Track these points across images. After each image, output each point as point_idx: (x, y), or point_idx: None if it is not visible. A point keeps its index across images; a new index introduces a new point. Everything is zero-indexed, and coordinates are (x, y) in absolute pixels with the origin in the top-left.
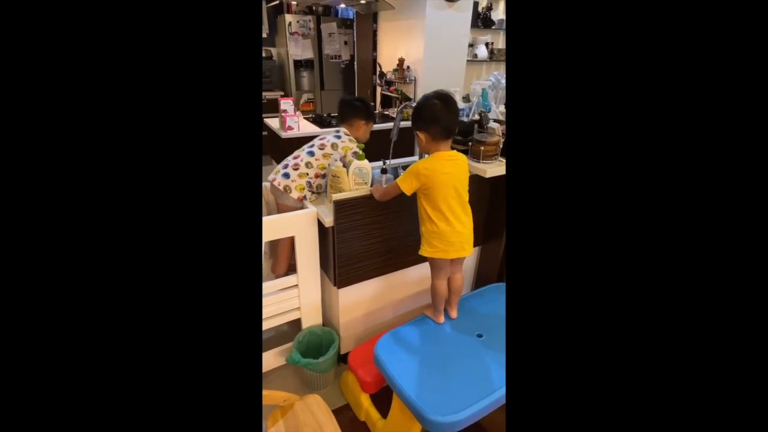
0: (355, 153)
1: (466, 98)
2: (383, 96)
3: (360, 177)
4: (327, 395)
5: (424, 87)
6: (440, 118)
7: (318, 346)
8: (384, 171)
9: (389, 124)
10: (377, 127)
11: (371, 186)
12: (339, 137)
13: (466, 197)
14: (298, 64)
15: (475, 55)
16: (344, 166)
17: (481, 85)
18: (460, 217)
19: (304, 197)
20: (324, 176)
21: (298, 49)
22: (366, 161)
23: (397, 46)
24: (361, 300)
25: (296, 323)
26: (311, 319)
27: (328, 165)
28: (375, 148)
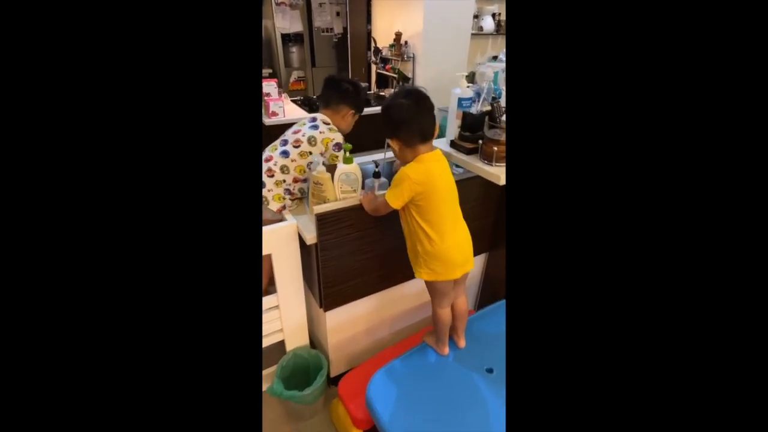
0: (337, 146)
1: (470, 77)
2: (378, 75)
3: (347, 184)
4: (315, 426)
5: (423, 65)
6: (410, 119)
7: (305, 370)
8: (377, 174)
9: None
10: (370, 111)
11: (361, 193)
12: (316, 127)
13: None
14: (287, 39)
15: (481, 28)
16: (327, 168)
17: (491, 68)
18: (458, 226)
19: (284, 207)
20: (305, 180)
21: (286, 22)
22: (355, 165)
23: (393, 18)
24: (353, 319)
25: (280, 345)
26: (296, 339)
27: (308, 166)
28: (370, 136)
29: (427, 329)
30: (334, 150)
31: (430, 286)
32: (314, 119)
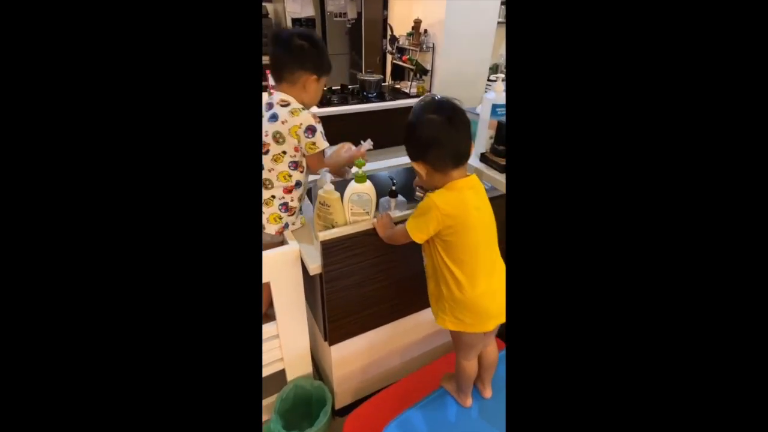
0: (309, 130)
1: (494, 69)
2: (394, 66)
3: (359, 205)
4: None
5: (444, 56)
6: (442, 140)
7: (306, 401)
8: (393, 193)
9: (400, 102)
10: (383, 106)
11: (376, 216)
12: (275, 117)
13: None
14: (297, 24)
15: None
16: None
17: None
18: (496, 270)
19: (285, 226)
20: (298, 184)
21: (297, 5)
22: (368, 184)
23: (412, 3)
24: (361, 351)
25: (280, 373)
26: (298, 368)
27: (288, 169)
28: (383, 134)
29: (444, 356)
30: (307, 137)
31: (455, 335)
32: (270, 106)
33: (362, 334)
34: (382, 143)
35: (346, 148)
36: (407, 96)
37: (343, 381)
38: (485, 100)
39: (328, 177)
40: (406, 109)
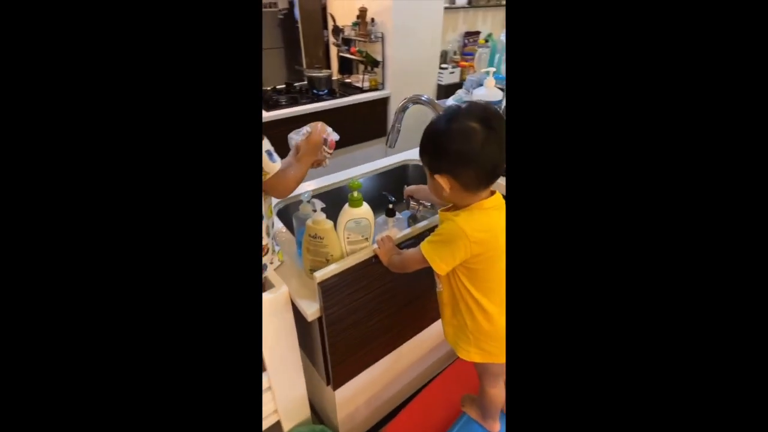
0: (268, 154)
1: (444, 56)
2: (342, 59)
3: (357, 232)
4: None
5: (394, 46)
6: (483, 156)
7: None
8: (391, 212)
9: (356, 98)
10: (337, 104)
11: (376, 241)
12: None
13: None
14: None
15: (453, 1)
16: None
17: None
18: None
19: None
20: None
21: None
22: (365, 207)
23: None
24: (364, 386)
25: (276, 426)
26: (295, 416)
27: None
28: (341, 134)
29: (449, 367)
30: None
31: (480, 366)
32: None
33: (367, 370)
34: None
35: (305, 139)
36: (360, 90)
37: (347, 421)
38: (475, 95)
39: (318, 204)
40: (363, 105)
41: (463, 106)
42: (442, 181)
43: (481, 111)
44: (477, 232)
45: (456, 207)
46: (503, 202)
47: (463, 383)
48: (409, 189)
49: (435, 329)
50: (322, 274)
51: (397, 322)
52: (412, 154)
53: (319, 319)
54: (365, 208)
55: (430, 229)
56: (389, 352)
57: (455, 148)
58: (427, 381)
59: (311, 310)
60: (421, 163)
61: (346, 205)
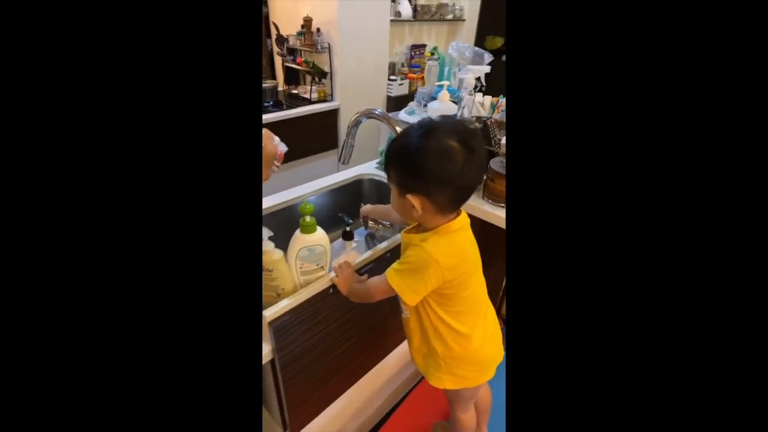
0: None
1: (391, 69)
2: (287, 69)
3: (311, 261)
4: None
5: (342, 56)
6: (460, 176)
7: None
8: (348, 235)
9: (304, 110)
10: (285, 115)
11: (334, 268)
12: None
13: None
14: None
15: (398, 13)
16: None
17: (474, 72)
18: (488, 306)
19: None
20: None
21: None
22: (320, 233)
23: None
24: (327, 422)
25: None
26: None
27: None
28: (298, 143)
29: (417, 387)
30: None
31: (452, 392)
32: None
33: (328, 407)
34: (290, 156)
35: None
36: (308, 102)
37: None
38: (430, 109)
39: (266, 233)
40: (312, 117)
41: (437, 120)
42: (414, 201)
43: (461, 129)
44: (448, 258)
45: (421, 227)
46: (468, 220)
47: (432, 405)
48: (365, 209)
49: (399, 351)
50: (272, 313)
51: (360, 351)
52: (366, 169)
53: (272, 361)
54: (319, 234)
55: (391, 251)
56: (353, 384)
57: (432, 167)
58: (396, 404)
59: (262, 352)
60: (377, 179)
61: (297, 231)
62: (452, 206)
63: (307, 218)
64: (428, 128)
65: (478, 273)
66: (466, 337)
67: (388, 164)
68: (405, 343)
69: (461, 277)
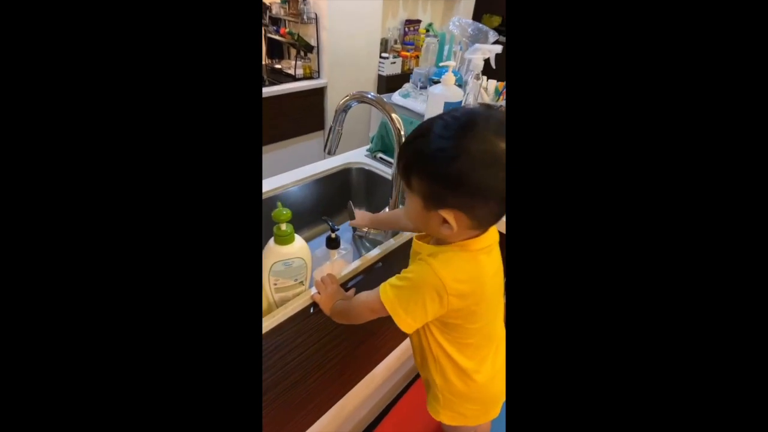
0: None
1: (384, 45)
2: (270, 41)
3: (288, 276)
4: None
5: (330, 29)
6: (501, 184)
7: None
8: (334, 242)
9: (288, 87)
10: (268, 93)
11: (316, 284)
12: None
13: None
14: None
15: None
16: None
17: (483, 52)
18: (502, 341)
19: None
20: None
21: None
22: (299, 244)
23: None
24: None
25: None
26: None
27: None
28: (270, 127)
29: (404, 397)
30: None
31: (450, 428)
32: None
33: (311, 427)
34: (269, 138)
35: None
36: (293, 78)
37: None
38: (432, 95)
39: None
40: (296, 96)
41: (477, 111)
42: (449, 216)
43: (500, 122)
44: (459, 283)
45: (437, 240)
46: (497, 237)
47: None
48: (361, 220)
49: (390, 359)
50: None
51: (346, 368)
52: (355, 156)
53: None
54: (298, 245)
55: (384, 259)
56: (335, 403)
57: (478, 179)
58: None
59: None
60: (367, 167)
61: (271, 241)
62: (494, 220)
63: (283, 227)
64: (466, 124)
65: (496, 303)
66: (471, 373)
67: (408, 169)
68: (395, 352)
69: (472, 308)
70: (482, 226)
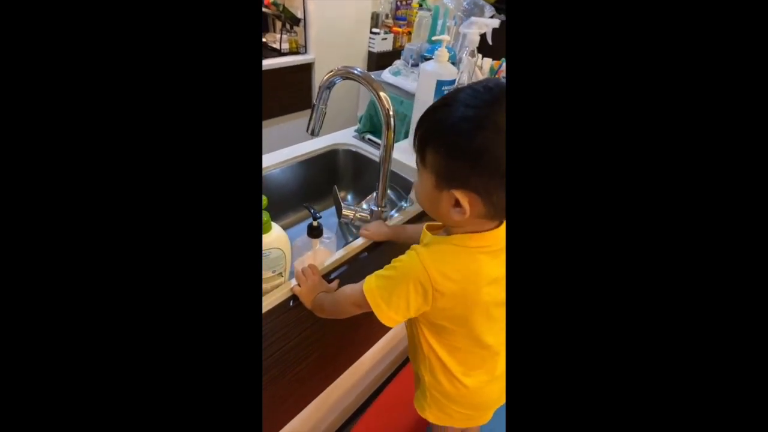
0: None
1: (375, 19)
2: None
3: (267, 267)
4: None
5: (318, 1)
6: None
7: None
8: (316, 231)
9: (273, 62)
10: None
11: (293, 278)
12: None
13: None
14: None
15: None
16: None
17: (479, 26)
18: (501, 353)
19: None
20: None
21: None
22: (276, 232)
23: None
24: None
25: None
26: None
27: None
28: (270, 100)
29: (392, 383)
30: None
31: (438, 428)
32: None
33: (289, 423)
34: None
35: None
36: (278, 53)
37: None
38: (423, 72)
39: None
40: (281, 72)
41: (498, 83)
42: (463, 198)
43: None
44: (446, 279)
45: (447, 228)
46: (503, 244)
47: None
48: (376, 234)
49: (375, 349)
50: None
51: (325, 364)
52: (342, 137)
53: None
54: (275, 234)
55: (369, 248)
56: (319, 394)
57: (501, 154)
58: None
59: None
60: (355, 149)
61: None
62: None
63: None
64: (499, 94)
65: (496, 313)
66: (459, 376)
67: (424, 141)
68: (380, 342)
69: (460, 311)
70: (497, 217)
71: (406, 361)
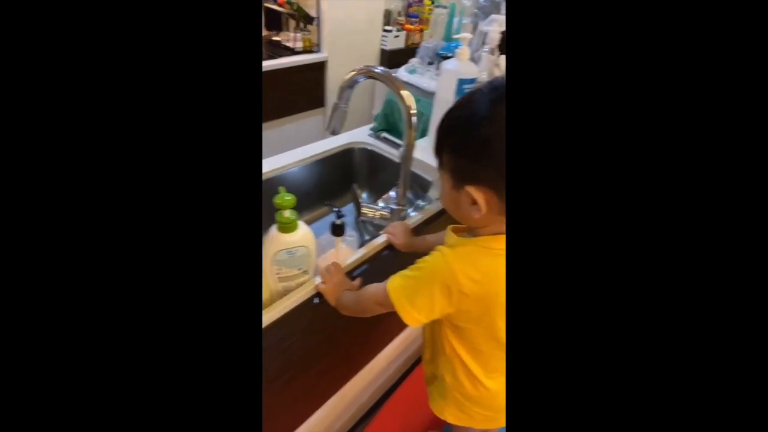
0: None
1: (387, 17)
2: (268, 11)
3: (291, 266)
4: None
5: (331, 0)
6: None
7: None
8: (338, 229)
9: (287, 61)
10: (268, 67)
11: (321, 272)
12: None
13: None
14: None
15: None
16: None
17: (501, 24)
18: None
19: None
20: None
21: None
22: (302, 231)
23: None
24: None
25: None
26: None
27: None
28: (270, 103)
29: (403, 385)
30: None
31: (457, 428)
32: None
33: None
34: (265, 116)
35: None
36: (292, 51)
37: None
38: (444, 71)
39: None
40: (295, 70)
41: (503, 81)
42: (477, 194)
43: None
44: (470, 280)
45: (472, 230)
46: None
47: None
48: (401, 238)
49: (390, 348)
50: None
51: (338, 363)
52: (358, 135)
53: None
54: (302, 232)
55: (390, 246)
56: (334, 393)
57: (502, 146)
58: (381, 396)
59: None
60: (370, 148)
61: (273, 228)
62: None
63: (286, 213)
64: (500, 92)
65: None
66: (482, 379)
67: (440, 143)
68: (395, 341)
69: (484, 312)
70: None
71: (419, 360)
